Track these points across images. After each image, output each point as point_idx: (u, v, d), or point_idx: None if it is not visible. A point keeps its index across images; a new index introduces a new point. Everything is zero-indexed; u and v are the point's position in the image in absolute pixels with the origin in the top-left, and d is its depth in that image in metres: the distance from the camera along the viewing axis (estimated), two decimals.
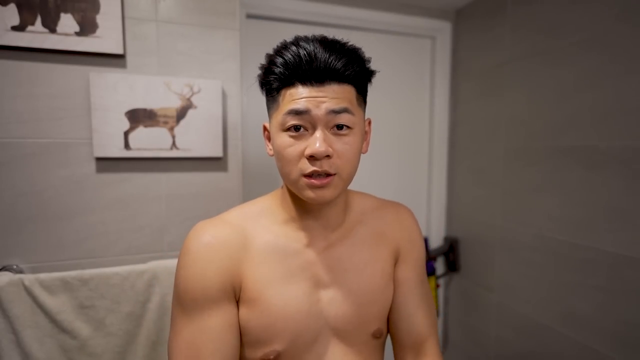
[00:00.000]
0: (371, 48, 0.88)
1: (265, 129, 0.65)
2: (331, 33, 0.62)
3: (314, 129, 0.55)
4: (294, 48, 0.56)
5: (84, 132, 1.02)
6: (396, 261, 0.71)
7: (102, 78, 1.00)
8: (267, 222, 0.64)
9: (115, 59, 1.04)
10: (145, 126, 1.05)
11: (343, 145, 0.57)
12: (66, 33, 0.97)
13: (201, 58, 1.11)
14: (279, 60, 0.56)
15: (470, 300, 1.59)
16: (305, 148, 0.55)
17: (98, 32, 0.99)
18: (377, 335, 0.68)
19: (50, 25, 0.96)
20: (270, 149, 0.63)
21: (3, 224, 0.98)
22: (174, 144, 1.08)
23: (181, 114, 1.08)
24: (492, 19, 1.43)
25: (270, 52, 0.60)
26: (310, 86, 0.55)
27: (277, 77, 0.57)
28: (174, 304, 0.60)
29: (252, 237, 0.62)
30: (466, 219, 1.62)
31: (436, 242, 1.72)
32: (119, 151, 1.03)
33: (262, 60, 0.61)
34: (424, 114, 1.70)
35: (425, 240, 1.71)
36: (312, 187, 0.56)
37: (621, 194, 1.01)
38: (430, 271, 1.62)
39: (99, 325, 1.00)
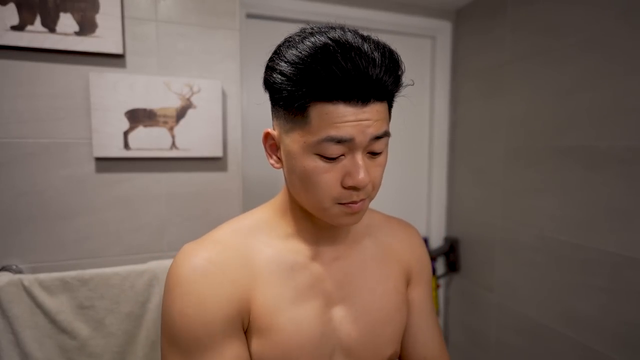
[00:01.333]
0: None
1: (269, 136, 0.54)
2: None
3: (352, 154, 0.47)
4: (338, 55, 0.43)
5: (83, 132, 1.02)
6: (408, 281, 0.67)
7: (101, 78, 1.00)
8: (266, 237, 0.56)
9: (115, 59, 1.03)
10: (145, 126, 1.05)
11: (376, 167, 0.50)
12: (66, 33, 0.97)
13: (201, 58, 1.11)
14: (316, 68, 0.43)
15: (470, 301, 1.59)
16: (343, 175, 0.47)
17: (98, 32, 0.99)
18: (392, 359, 0.63)
19: (50, 25, 0.96)
20: (276, 162, 0.54)
21: (3, 224, 0.97)
22: (173, 144, 1.08)
23: (181, 114, 1.08)
24: (492, 19, 1.43)
25: (291, 49, 0.46)
26: (353, 106, 0.45)
27: (309, 87, 0.44)
28: (165, 347, 0.50)
29: (252, 255, 0.53)
30: (466, 219, 1.62)
31: (436, 242, 1.72)
32: (118, 151, 1.03)
33: (264, 60, 0.52)
34: (424, 114, 1.70)
35: (425, 241, 1.71)
36: (350, 213, 0.50)
37: (622, 194, 1.01)
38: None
39: (99, 325, 0.99)
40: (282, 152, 0.52)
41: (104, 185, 1.05)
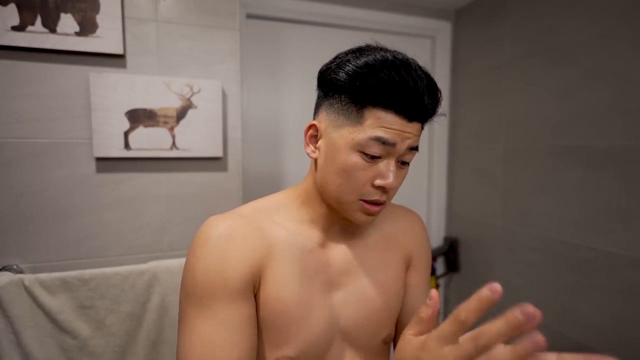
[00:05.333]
0: None
1: (313, 128, 0.60)
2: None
3: (388, 159, 0.54)
4: (405, 75, 0.51)
5: (84, 132, 1.02)
6: (408, 266, 0.72)
7: (102, 78, 1.00)
8: (282, 219, 0.61)
9: (115, 59, 1.04)
10: (145, 126, 1.05)
11: (400, 178, 0.57)
12: (66, 33, 0.97)
13: (201, 58, 1.11)
14: (389, 79, 0.51)
15: None
16: (376, 176, 0.54)
17: (98, 32, 0.99)
18: (387, 341, 0.67)
19: (50, 25, 0.96)
20: (313, 151, 0.60)
21: (3, 224, 0.98)
22: (174, 144, 1.08)
23: (181, 114, 1.08)
24: (492, 19, 1.43)
25: (362, 57, 0.53)
26: (401, 119, 0.52)
27: (376, 93, 0.51)
28: (183, 301, 0.55)
29: (269, 233, 0.59)
30: (466, 219, 1.62)
31: (436, 242, 1.72)
32: (119, 151, 1.03)
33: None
34: None
35: None
36: (367, 213, 0.56)
37: (621, 194, 1.01)
38: (430, 271, 1.62)
39: (99, 325, 1.00)
40: (323, 143, 0.58)
41: (104, 185, 1.05)
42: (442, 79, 1.65)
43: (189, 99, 1.08)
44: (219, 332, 0.51)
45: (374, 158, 0.53)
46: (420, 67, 0.55)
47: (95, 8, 0.99)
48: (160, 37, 1.07)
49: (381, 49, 0.55)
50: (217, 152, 1.12)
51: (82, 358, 0.98)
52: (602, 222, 1.06)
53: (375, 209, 0.56)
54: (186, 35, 1.09)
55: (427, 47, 1.66)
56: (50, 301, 0.95)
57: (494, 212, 1.44)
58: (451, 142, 1.70)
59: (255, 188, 1.41)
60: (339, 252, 0.63)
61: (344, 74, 0.53)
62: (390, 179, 0.53)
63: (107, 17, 1.00)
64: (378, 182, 0.54)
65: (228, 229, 0.56)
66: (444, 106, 1.66)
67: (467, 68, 1.58)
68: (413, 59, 0.55)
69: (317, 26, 1.44)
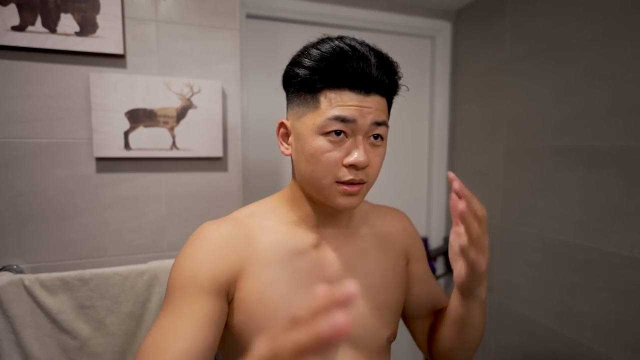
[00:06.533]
0: None
1: (283, 126, 0.62)
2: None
3: (354, 137, 0.55)
4: (348, 50, 0.53)
5: (84, 132, 1.02)
6: (407, 261, 0.74)
7: (102, 78, 1.00)
8: (273, 223, 0.62)
9: (115, 59, 1.04)
10: (146, 126, 1.05)
11: (375, 156, 0.57)
12: (66, 33, 0.97)
13: (201, 58, 1.11)
14: (330, 58, 0.53)
15: None
16: (345, 155, 0.55)
17: (98, 32, 0.99)
18: (391, 340, 0.67)
19: (51, 26, 0.96)
20: (287, 148, 0.61)
21: (3, 224, 0.98)
22: (174, 144, 1.08)
23: (181, 114, 1.08)
24: (491, 19, 1.43)
25: (312, 49, 0.56)
26: (357, 94, 0.54)
27: (323, 76, 0.54)
28: (163, 300, 0.57)
29: (257, 238, 0.60)
30: None
31: (436, 242, 1.72)
32: (119, 151, 1.03)
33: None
34: (424, 114, 1.70)
35: (425, 241, 1.71)
36: (346, 194, 0.56)
37: (621, 194, 1.01)
38: (431, 271, 1.62)
39: (99, 325, 1.00)
40: (292, 138, 0.60)
41: (104, 185, 1.05)
42: (442, 79, 1.65)
43: (189, 99, 1.08)
44: (176, 324, 0.51)
45: (338, 135, 0.54)
46: (367, 44, 0.56)
47: (95, 8, 0.99)
48: (160, 37, 1.07)
49: (333, 38, 0.57)
50: (217, 152, 1.13)
51: (82, 358, 0.98)
52: (602, 222, 1.06)
53: (355, 188, 0.56)
54: (186, 35, 1.09)
55: (427, 47, 1.66)
56: (50, 301, 0.95)
57: (494, 212, 1.44)
58: (451, 142, 1.70)
59: (255, 188, 1.41)
60: (334, 253, 0.63)
61: (294, 68, 0.57)
62: (357, 156, 0.54)
63: (107, 17, 1.00)
64: (347, 160, 0.55)
65: (214, 232, 0.58)
66: (444, 106, 1.66)
67: (467, 68, 1.58)
68: (361, 40, 0.57)
69: (318, 26, 1.44)
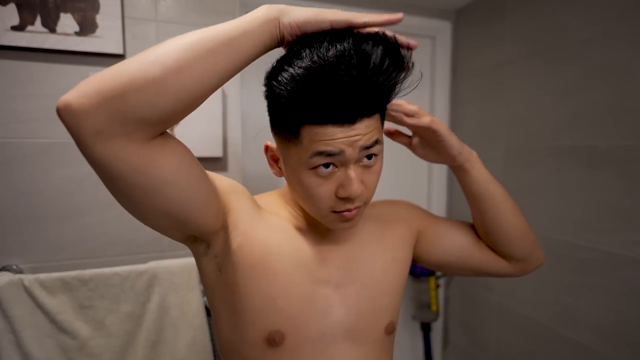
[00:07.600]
0: None
1: (269, 149, 0.60)
2: None
3: (345, 166, 0.50)
4: (328, 71, 0.44)
5: None
6: (416, 238, 0.74)
7: None
8: (277, 210, 0.63)
9: (115, 59, 1.04)
10: None
11: (371, 175, 0.53)
12: (66, 33, 0.97)
13: None
14: (306, 91, 0.45)
15: (470, 301, 1.59)
16: (337, 188, 0.51)
17: (98, 32, 0.99)
18: (390, 331, 0.66)
19: (50, 25, 0.96)
20: (278, 172, 0.60)
21: (3, 224, 0.98)
22: None
23: None
24: (492, 18, 1.43)
25: (284, 69, 0.47)
26: (340, 126, 0.47)
27: (299, 113, 0.47)
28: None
29: (266, 212, 0.61)
30: (466, 219, 1.61)
31: None
32: None
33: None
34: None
35: None
36: (343, 220, 0.54)
37: (621, 194, 1.01)
38: (430, 271, 1.62)
39: (99, 325, 0.99)
40: (282, 164, 0.57)
41: (104, 185, 1.05)
42: (442, 79, 1.65)
43: None
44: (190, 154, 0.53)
45: (328, 168, 0.50)
46: (362, 48, 0.45)
47: (95, 8, 0.99)
48: (160, 37, 1.07)
49: (310, 43, 0.46)
50: (217, 152, 1.12)
51: (82, 358, 0.98)
52: (603, 222, 1.06)
53: (351, 214, 0.54)
54: None
55: (427, 47, 1.66)
56: (50, 301, 0.95)
57: None
58: None
59: (255, 188, 1.41)
60: (336, 249, 0.63)
61: (271, 101, 0.51)
62: (353, 188, 0.50)
63: (107, 17, 1.00)
64: (341, 193, 0.51)
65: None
66: (444, 105, 1.66)
67: (467, 68, 1.58)
68: (360, 36, 0.46)
69: None
